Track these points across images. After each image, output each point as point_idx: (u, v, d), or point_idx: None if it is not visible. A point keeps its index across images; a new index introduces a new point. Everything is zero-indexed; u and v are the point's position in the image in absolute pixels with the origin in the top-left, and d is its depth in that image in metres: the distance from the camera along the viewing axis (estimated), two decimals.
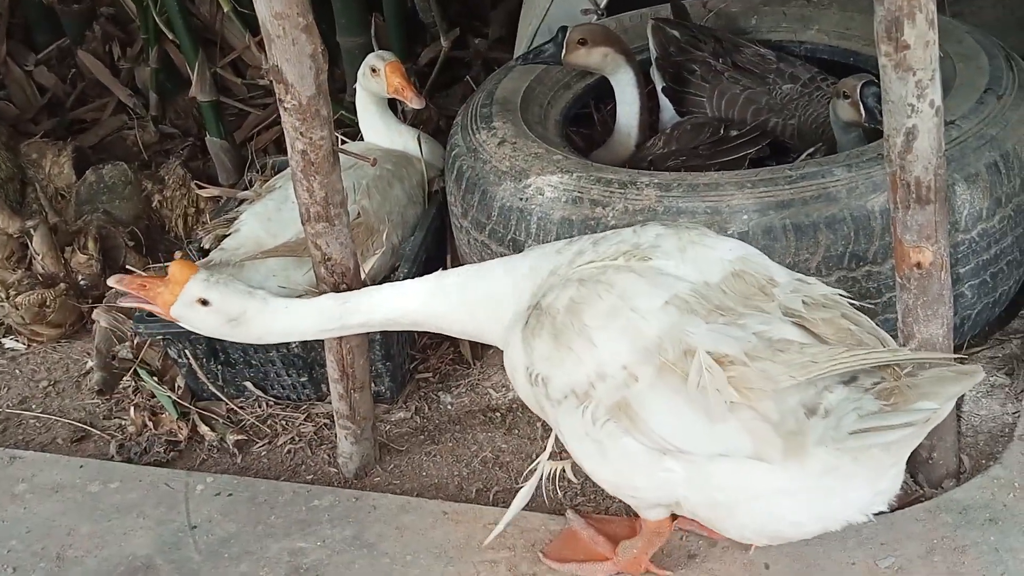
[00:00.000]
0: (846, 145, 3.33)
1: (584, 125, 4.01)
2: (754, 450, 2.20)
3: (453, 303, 2.65)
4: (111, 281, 2.70)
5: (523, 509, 2.89)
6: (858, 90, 3.16)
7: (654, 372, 2.25)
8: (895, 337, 2.70)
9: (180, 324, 2.73)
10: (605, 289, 2.36)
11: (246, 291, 2.70)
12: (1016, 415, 2.99)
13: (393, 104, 4.06)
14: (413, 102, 3.73)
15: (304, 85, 2.67)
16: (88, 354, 3.79)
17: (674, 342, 2.25)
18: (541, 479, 2.63)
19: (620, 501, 2.92)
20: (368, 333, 3.05)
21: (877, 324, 2.91)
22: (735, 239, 2.58)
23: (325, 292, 2.92)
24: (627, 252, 2.47)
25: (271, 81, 4.72)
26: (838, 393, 2.18)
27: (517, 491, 2.70)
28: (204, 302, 2.66)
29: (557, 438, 2.54)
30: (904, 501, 2.77)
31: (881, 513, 2.66)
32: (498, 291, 2.60)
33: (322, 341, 3.04)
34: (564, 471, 2.66)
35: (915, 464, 2.83)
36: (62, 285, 3.92)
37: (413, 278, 2.70)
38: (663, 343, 2.25)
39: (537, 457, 3.08)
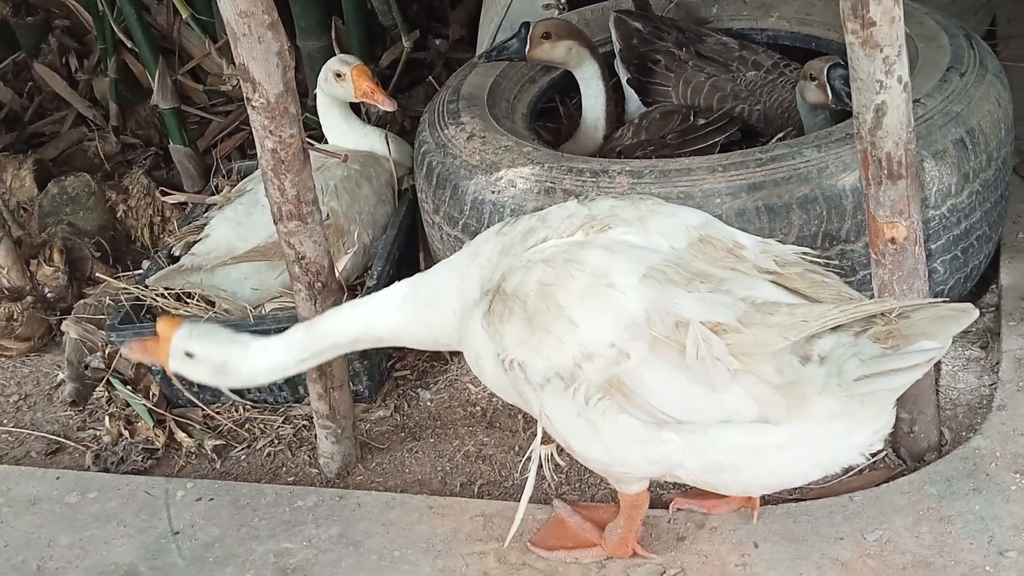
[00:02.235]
0: (813, 128, 3.36)
1: (550, 120, 4.02)
2: (759, 414, 2.22)
3: (407, 313, 2.62)
4: (124, 352, 2.80)
5: (507, 500, 2.90)
6: (825, 72, 3.18)
7: (646, 347, 2.25)
8: None
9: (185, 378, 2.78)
10: (576, 268, 2.33)
11: (227, 339, 2.70)
12: (993, 386, 3.02)
13: (356, 106, 4.04)
14: (385, 104, 3.70)
15: (272, 83, 2.65)
16: (58, 366, 3.73)
17: (662, 315, 2.24)
18: (540, 464, 2.55)
19: (606, 488, 2.92)
20: None
21: None
22: (691, 207, 2.57)
23: (299, 292, 2.91)
24: (584, 226, 2.45)
25: (233, 87, 4.74)
26: (827, 339, 2.20)
27: (523, 480, 2.66)
28: (190, 354, 2.67)
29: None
30: (888, 475, 2.79)
31: (867, 488, 2.72)
32: (443, 290, 2.58)
33: None
34: (552, 455, 2.61)
35: (897, 438, 2.85)
36: (29, 298, 3.86)
37: (380, 289, 2.69)
38: (651, 317, 2.25)
39: (520, 448, 3.10)
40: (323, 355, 2.74)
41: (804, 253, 2.46)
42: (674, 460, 2.36)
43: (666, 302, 2.25)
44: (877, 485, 2.74)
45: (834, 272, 2.46)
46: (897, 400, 2.76)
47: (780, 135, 3.35)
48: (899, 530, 2.61)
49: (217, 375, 2.70)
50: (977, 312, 2.18)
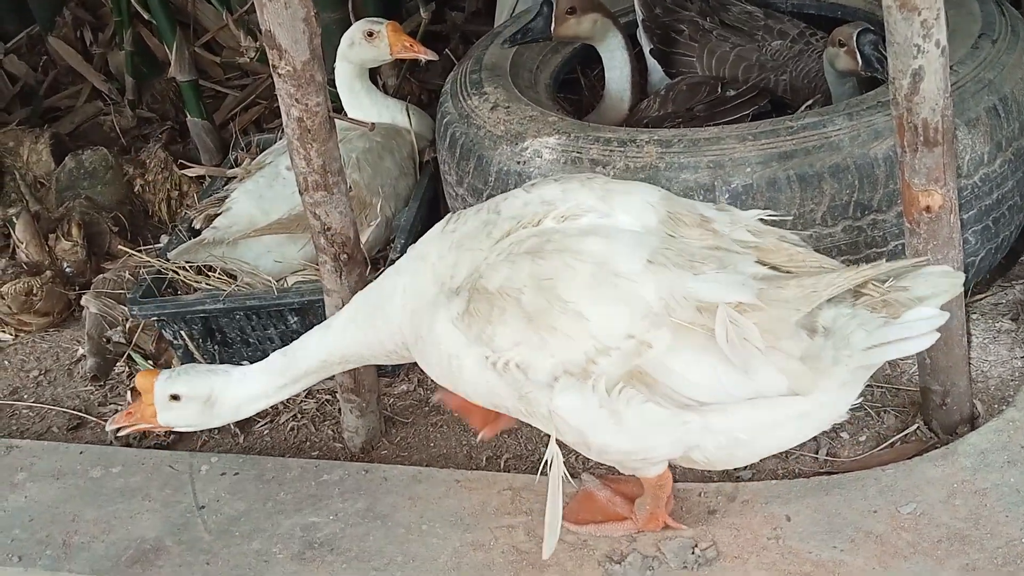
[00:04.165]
0: (841, 96, 3.31)
1: (571, 91, 3.97)
2: (789, 388, 2.21)
3: (359, 322, 2.57)
4: (109, 428, 2.71)
5: (535, 473, 2.87)
6: (855, 38, 3.13)
7: (670, 335, 2.21)
8: None
9: (176, 430, 2.73)
10: (573, 257, 2.26)
11: (207, 370, 2.66)
12: None
13: (374, 78, 4.00)
14: (429, 54, 3.68)
15: (298, 50, 2.61)
16: (78, 341, 3.72)
17: (679, 300, 2.20)
18: (559, 463, 2.43)
19: None
20: None
21: None
22: (642, 182, 2.53)
23: (325, 264, 2.87)
24: (549, 213, 2.37)
25: (250, 59, 4.70)
26: (828, 312, 2.22)
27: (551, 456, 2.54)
28: (175, 397, 2.62)
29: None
30: (920, 448, 2.77)
31: (900, 461, 2.70)
32: (389, 293, 2.51)
33: (322, 311, 2.98)
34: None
35: (929, 411, 2.81)
36: (48, 273, 3.84)
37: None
38: (669, 304, 2.20)
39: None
40: (300, 382, 2.67)
41: (762, 217, 2.42)
42: (692, 440, 2.33)
43: (679, 287, 2.21)
44: (910, 458, 2.71)
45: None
46: (929, 373, 2.76)
47: (809, 102, 3.30)
48: (933, 503, 2.58)
49: (204, 410, 2.63)
50: (964, 276, 2.25)
